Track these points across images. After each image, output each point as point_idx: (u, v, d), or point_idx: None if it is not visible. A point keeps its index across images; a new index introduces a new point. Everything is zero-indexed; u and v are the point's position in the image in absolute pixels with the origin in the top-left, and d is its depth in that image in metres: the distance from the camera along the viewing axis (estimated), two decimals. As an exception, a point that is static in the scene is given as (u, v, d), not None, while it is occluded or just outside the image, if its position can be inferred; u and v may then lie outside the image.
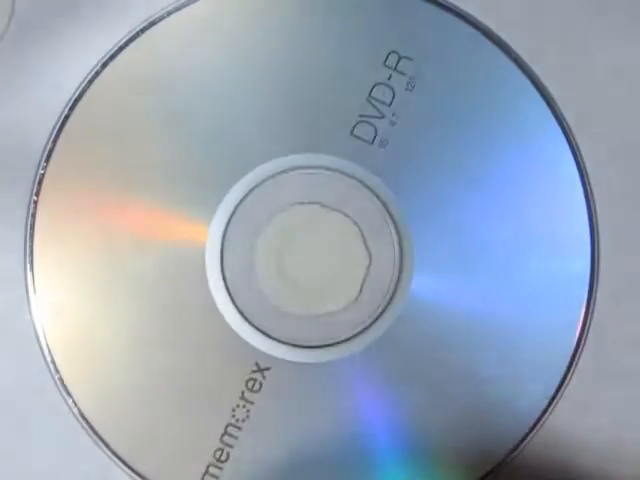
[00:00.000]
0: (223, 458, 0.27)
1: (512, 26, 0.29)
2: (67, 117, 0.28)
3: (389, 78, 0.28)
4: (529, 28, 0.29)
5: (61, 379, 0.28)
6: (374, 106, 0.28)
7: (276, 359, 0.27)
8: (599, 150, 0.28)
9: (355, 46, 0.28)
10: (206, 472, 0.27)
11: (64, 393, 0.28)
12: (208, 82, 0.28)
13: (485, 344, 0.27)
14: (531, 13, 0.29)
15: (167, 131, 0.28)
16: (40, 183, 0.28)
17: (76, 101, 0.28)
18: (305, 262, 0.28)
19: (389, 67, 0.28)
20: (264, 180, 0.28)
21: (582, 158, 0.28)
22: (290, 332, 0.28)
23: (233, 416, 0.27)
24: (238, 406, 0.27)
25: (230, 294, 0.28)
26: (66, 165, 0.28)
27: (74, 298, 0.28)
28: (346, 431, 0.27)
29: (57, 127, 0.28)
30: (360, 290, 0.27)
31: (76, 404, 0.28)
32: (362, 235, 0.28)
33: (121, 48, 0.28)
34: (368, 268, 0.28)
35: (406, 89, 0.28)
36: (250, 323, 0.28)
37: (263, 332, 0.28)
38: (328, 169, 0.28)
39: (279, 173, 0.28)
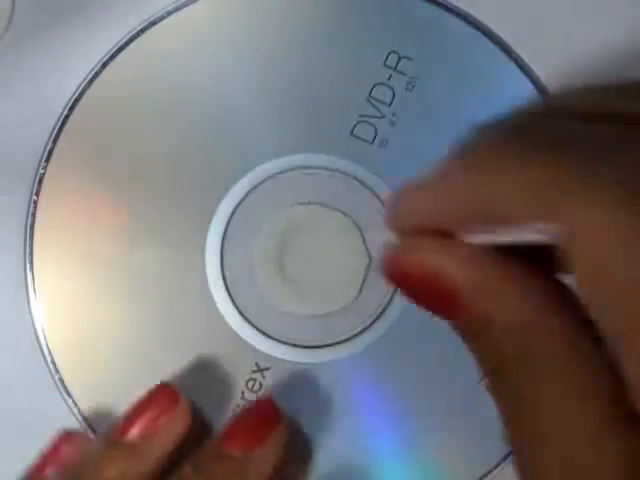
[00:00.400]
0: (223, 458, 0.27)
1: (512, 26, 0.28)
2: (67, 117, 0.28)
3: (389, 78, 0.28)
4: (530, 28, 0.29)
5: (61, 379, 0.28)
6: (374, 106, 0.28)
7: (276, 359, 0.27)
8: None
9: (355, 46, 0.28)
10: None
11: (64, 393, 0.28)
12: (208, 82, 0.28)
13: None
14: (532, 14, 0.29)
15: (167, 131, 0.28)
16: (40, 183, 0.28)
17: (76, 101, 0.28)
18: (305, 262, 0.28)
19: (389, 67, 0.28)
20: (264, 180, 0.28)
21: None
22: (290, 332, 0.28)
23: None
24: (238, 405, 0.27)
25: (230, 294, 0.28)
26: (66, 165, 0.28)
27: (74, 298, 0.28)
28: (346, 430, 0.27)
29: (57, 127, 0.28)
30: (360, 290, 0.27)
31: (76, 404, 0.28)
32: (362, 235, 0.28)
33: (121, 48, 0.28)
34: (368, 268, 0.28)
35: (406, 89, 0.28)
36: (250, 323, 0.28)
37: (263, 332, 0.28)
38: (328, 169, 0.28)
39: (279, 173, 0.28)
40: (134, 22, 0.29)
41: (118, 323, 0.28)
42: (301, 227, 0.28)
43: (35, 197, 0.28)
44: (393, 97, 0.28)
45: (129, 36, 0.28)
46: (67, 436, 0.27)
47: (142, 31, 0.28)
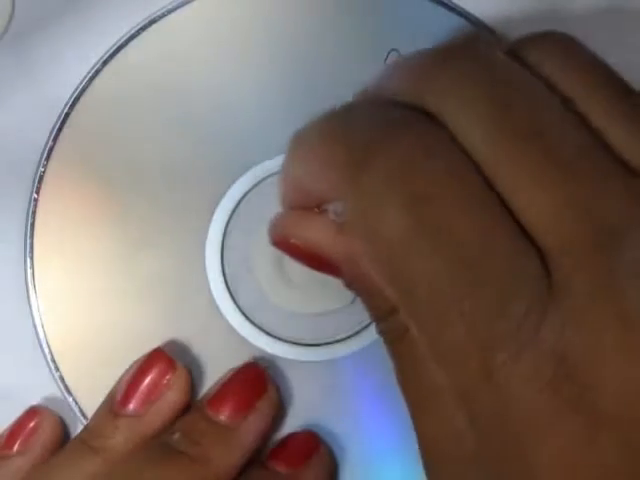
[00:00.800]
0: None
1: (513, 25, 0.29)
2: (67, 115, 0.28)
3: (389, 76, 0.28)
4: (532, 28, 0.29)
5: (61, 378, 0.28)
6: (374, 104, 0.28)
7: (276, 357, 0.27)
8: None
9: (355, 44, 0.28)
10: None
11: (65, 392, 0.28)
12: (208, 80, 0.28)
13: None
14: (535, 15, 0.29)
15: (167, 129, 0.28)
16: (41, 181, 0.28)
17: (76, 100, 0.28)
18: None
19: (389, 65, 0.28)
20: (264, 178, 0.28)
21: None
22: (290, 330, 0.28)
23: (234, 415, 0.27)
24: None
25: (230, 292, 0.28)
26: (66, 163, 0.28)
27: (74, 296, 0.28)
28: (346, 429, 0.27)
29: (58, 126, 0.28)
30: (361, 288, 0.27)
31: (77, 402, 0.28)
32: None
33: (121, 47, 0.28)
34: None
35: (406, 87, 0.28)
36: (250, 321, 0.28)
37: (263, 330, 0.28)
38: (328, 167, 0.28)
39: (279, 172, 0.28)
40: (134, 21, 0.29)
41: (118, 322, 0.28)
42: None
43: (35, 196, 0.28)
44: (393, 95, 0.28)
45: (129, 35, 0.28)
46: (33, 412, 0.27)
47: (142, 29, 0.28)
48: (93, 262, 0.28)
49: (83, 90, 0.28)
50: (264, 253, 0.28)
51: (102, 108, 0.28)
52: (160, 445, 0.25)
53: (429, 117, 0.19)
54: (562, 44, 0.20)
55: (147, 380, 0.26)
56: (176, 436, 0.25)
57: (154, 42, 0.29)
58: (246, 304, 0.28)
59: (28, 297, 0.28)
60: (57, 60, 0.29)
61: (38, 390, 0.28)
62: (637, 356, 0.16)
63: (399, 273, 0.18)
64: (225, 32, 0.29)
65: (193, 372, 0.27)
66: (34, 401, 0.28)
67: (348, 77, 0.28)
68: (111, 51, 0.28)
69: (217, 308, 0.28)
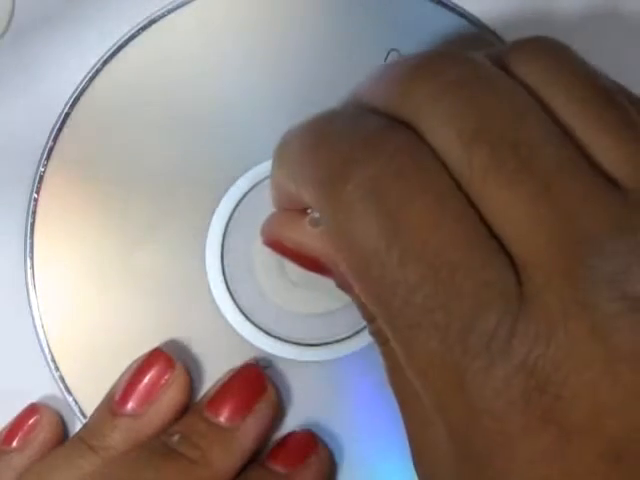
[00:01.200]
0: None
1: (515, 26, 0.29)
2: (67, 115, 0.28)
3: (389, 76, 0.28)
4: (533, 30, 0.29)
5: (61, 377, 0.28)
6: (374, 104, 0.28)
7: (276, 357, 0.27)
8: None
9: (355, 45, 0.28)
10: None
11: (65, 392, 0.28)
12: (208, 80, 0.28)
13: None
14: (536, 15, 0.29)
15: (167, 129, 0.28)
16: (41, 181, 0.28)
17: (76, 99, 0.28)
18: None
19: (389, 65, 0.28)
20: (264, 179, 0.28)
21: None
22: (290, 330, 0.28)
23: (234, 415, 0.27)
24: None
25: (230, 292, 0.28)
26: (67, 163, 0.28)
27: (74, 297, 0.28)
28: (345, 429, 0.27)
29: (58, 125, 0.28)
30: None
31: (77, 402, 0.28)
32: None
33: (121, 47, 0.28)
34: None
35: (406, 87, 0.28)
36: (250, 321, 0.28)
37: (263, 330, 0.28)
38: (328, 167, 0.28)
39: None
40: (134, 20, 0.29)
41: (118, 321, 0.28)
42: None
43: (35, 195, 0.28)
44: (393, 95, 0.28)
45: (129, 34, 0.28)
46: (32, 409, 0.27)
47: (142, 29, 0.28)
48: (93, 262, 0.28)
49: (83, 90, 0.28)
50: (264, 253, 0.28)
51: (102, 108, 0.28)
52: (159, 446, 0.25)
53: (406, 126, 0.18)
54: (549, 51, 0.20)
55: (146, 380, 0.26)
56: (175, 437, 0.25)
57: (154, 42, 0.29)
58: (246, 304, 0.28)
59: (28, 297, 0.28)
60: (57, 60, 0.29)
61: (38, 390, 0.28)
62: (608, 368, 0.16)
63: (374, 285, 0.18)
64: (225, 32, 0.29)
65: (192, 372, 0.27)
66: (34, 400, 0.28)
67: (348, 77, 0.28)
68: (111, 51, 0.28)
69: (217, 308, 0.28)
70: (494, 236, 0.17)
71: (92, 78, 0.28)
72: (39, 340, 0.28)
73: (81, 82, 0.28)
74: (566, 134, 0.18)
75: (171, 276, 0.28)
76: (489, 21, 0.28)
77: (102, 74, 0.28)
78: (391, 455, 0.27)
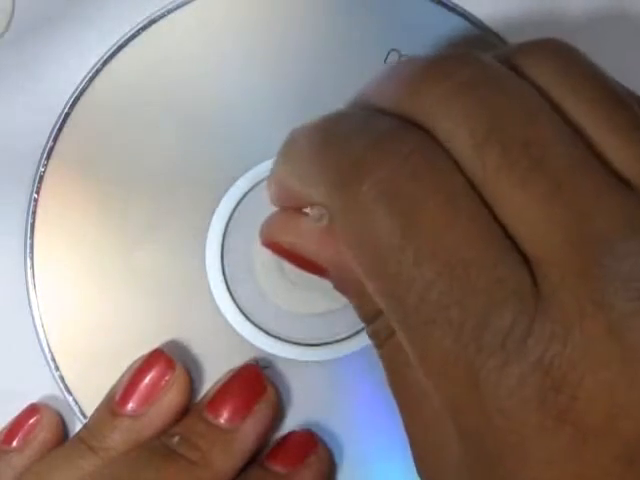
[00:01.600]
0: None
1: (515, 26, 0.29)
2: (68, 115, 0.28)
3: (389, 76, 0.28)
4: (533, 29, 0.29)
5: (62, 377, 0.28)
6: (374, 104, 0.28)
7: (276, 357, 0.27)
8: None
9: (355, 45, 0.28)
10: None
11: (65, 391, 0.28)
12: (209, 81, 0.28)
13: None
14: (536, 16, 0.29)
15: (167, 129, 0.28)
16: (41, 181, 0.28)
17: (77, 99, 0.28)
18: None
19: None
20: (264, 179, 0.28)
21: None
22: (290, 330, 0.28)
23: (234, 415, 0.27)
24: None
25: (230, 292, 0.28)
26: (67, 163, 0.28)
27: (74, 297, 0.28)
28: (345, 428, 0.27)
29: (58, 125, 0.28)
30: (360, 288, 0.27)
31: (77, 402, 0.28)
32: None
33: (121, 46, 0.28)
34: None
35: (406, 87, 0.28)
36: (250, 321, 0.28)
37: (263, 330, 0.28)
38: (328, 167, 0.28)
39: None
40: (134, 20, 0.29)
41: (118, 321, 0.28)
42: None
43: (36, 195, 0.28)
44: (393, 95, 0.28)
45: (129, 34, 0.28)
46: (32, 409, 0.27)
47: (142, 29, 0.28)
48: (93, 262, 0.28)
49: (83, 90, 0.28)
50: (264, 253, 0.28)
51: (102, 108, 0.28)
52: (159, 447, 0.25)
53: (418, 127, 0.19)
54: (559, 53, 0.20)
55: (146, 380, 0.26)
56: (175, 439, 0.25)
57: (154, 42, 0.29)
58: (246, 304, 0.28)
59: (28, 297, 0.28)
60: (57, 60, 0.29)
61: (38, 390, 0.28)
62: (625, 369, 0.16)
63: (388, 282, 0.18)
64: (225, 32, 0.29)
65: (193, 372, 0.27)
66: (34, 401, 0.28)
67: (348, 77, 0.28)
68: (111, 51, 0.28)
69: (217, 308, 0.28)
70: (508, 236, 0.17)
71: (92, 78, 0.28)
72: (39, 340, 0.28)
73: (81, 82, 0.28)
74: (577, 134, 0.18)
75: (171, 276, 0.28)
76: (490, 21, 0.28)
77: (102, 74, 0.28)
78: (391, 455, 0.27)
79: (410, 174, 0.18)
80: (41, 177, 0.28)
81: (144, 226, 0.28)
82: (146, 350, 0.27)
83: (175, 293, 0.28)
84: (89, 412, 0.27)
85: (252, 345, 0.28)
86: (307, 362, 0.27)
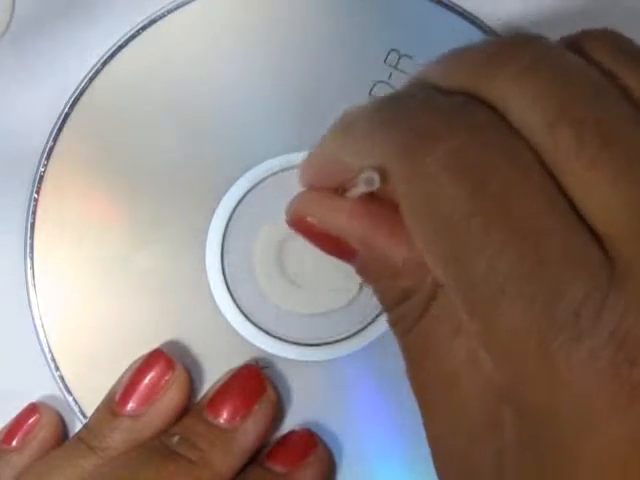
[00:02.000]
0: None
1: (514, 26, 0.29)
2: (68, 115, 0.28)
3: (390, 76, 0.28)
4: (533, 29, 0.29)
5: (61, 377, 0.28)
6: (374, 104, 0.28)
7: (276, 357, 0.27)
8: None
9: (355, 44, 0.28)
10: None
11: (65, 391, 0.28)
12: (209, 80, 0.28)
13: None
14: (535, 15, 0.29)
15: (167, 129, 0.28)
16: (41, 181, 0.28)
17: (77, 99, 0.28)
18: (305, 260, 0.28)
19: (390, 65, 0.28)
20: (264, 179, 0.28)
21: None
22: (290, 330, 0.28)
23: (234, 415, 0.27)
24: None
25: (231, 292, 0.28)
26: (67, 163, 0.28)
27: (74, 297, 0.28)
28: (345, 428, 0.27)
29: (58, 125, 0.28)
30: (360, 288, 0.27)
31: (77, 402, 0.28)
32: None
33: (122, 46, 0.28)
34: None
35: (406, 87, 0.28)
36: (250, 321, 0.28)
37: (263, 330, 0.28)
38: (328, 167, 0.28)
39: (279, 172, 0.28)
40: (135, 20, 0.29)
41: (119, 321, 0.28)
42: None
43: (36, 195, 0.28)
44: (393, 95, 0.28)
45: (130, 34, 0.28)
46: (32, 409, 0.27)
47: (143, 29, 0.28)
48: (93, 262, 0.28)
49: (83, 90, 0.28)
50: (264, 253, 0.28)
51: (102, 108, 0.28)
52: (159, 447, 0.25)
53: (485, 104, 0.19)
54: (618, 38, 0.20)
55: (146, 380, 0.26)
56: (175, 439, 0.25)
57: (154, 42, 0.29)
58: (246, 304, 0.28)
59: (28, 297, 0.28)
60: (57, 60, 0.29)
61: (38, 390, 0.28)
62: None
63: (456, 249, 0.17)
64: (225, 32, 0.29)
65: (193, 372, 0.27)
66: (34, 400, 0.28)
67: (348, 77, 0.28)
68: (111, 51, 0.29)
69: (217, 308, 0.28)
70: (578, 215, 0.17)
71: (92, 78, 0.28)
72: (39, 340, 0.28)
73: (81, 82, 0.28)
74: None
75: (171, 276, 0.28)
76: (489, 21, 0.28)
77: (102, 74, 0.28)
78: (391, 455, 0.27)
79: (481, 144, 0.18)
80: (41, 177, 0.28)
81: (144, 226, 0.28)
82: (146, 350, 0.27)
83: (175, 293, 0.28)
84: (89, 412, 0.27)
85: (252, 345, 0.28)
86: (307, 362, 0.27)
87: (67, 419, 0.28)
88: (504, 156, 0.18)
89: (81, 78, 0.29)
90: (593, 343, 0.16)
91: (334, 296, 0.28)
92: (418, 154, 0.18)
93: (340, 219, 0.21)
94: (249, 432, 0.26)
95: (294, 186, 0.28)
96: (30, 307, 0.28)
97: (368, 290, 0.28)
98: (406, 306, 0.21)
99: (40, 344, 0.28)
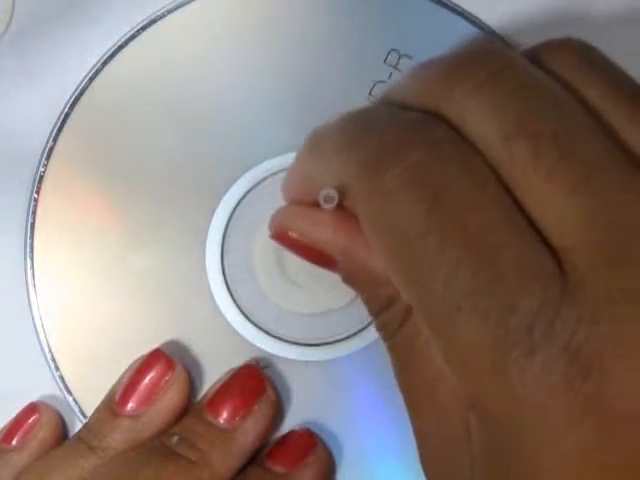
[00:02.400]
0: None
1: (514, 26, 0.29)
2: (68, 115, 0.28)
3: (390, 76, 0.28)
4: (532, 29, 0.29)
5: (61, 377, 0.28)
6: (374, 104, 0.28)
7: (276, 357, 0.27)
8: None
9: (355, 45, 0.28)
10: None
11: (65, 391, 0.28)
12: (209, 80, 0.28)
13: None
14: (534, 14, 0.29)
15: (167, 129, 0.28)
16: (41, 181, 0.28)
17: (77, 99, 0.28)
18: (305, 261, 0.28)
19: (390, 65, 0.28)
20: (264, 179, 0.28)
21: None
22: (290, 330, 0.28)
23: (233, 415, 0.27)
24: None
25: (230, 292, 0.28)
26: (67, 163, 0.28)
27: (74, 297, 0.28)
28: (345, 428, 0.27)
29: (58, 125, 0.28)
30: (360, 288, 0.27)
31: (77, 402, 0.28)
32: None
33: (122, 46, 0.29)
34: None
35: (406, 87, 0.28)
36: (250, 321, 0.28)
37: (263, 330, 0.28)
38: (328, 167, 0.28)
39: (279, 171, 0.28)
40: (135, 20, 0.29)
41: (118, 322, 0.28)
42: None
43: (36, 195, 0.28)
44: (393, 95, 0.28)
45: (130, 34, 0.28)
46: (32, 408, 0.27)
47: (143, 29, 0.28)
48: (93, 262, 0.28)
49: (83, 90, 0.28)
50: (264, 253, 0.28)
51: (102, 108, 0.28)
52: (159, 447, 0.25)
53: (443, 120, 0.19)
54: (581, 50, 0.20)
55: (146, 380, 0.26)
56: (175, 439, 0.25)
57: (154, 42, 0.29)
58: (246, 304, 0.28)
59: (28, 297, 0.28)
60: (57, 60, 0.29)
61: (38, 389, 0.28)
62: None
63: (413, 267, 0.18)
64: (225, 32, 0.29)
65: (193, 372, 0.27)
66: (34, 400, 0.28)
67: (348, 77, 0.28)
68: (111, 51, 0.29)
69: (217, 308, 0.28)
70: (533, 228, 0.17)
71: (92, 78, 0.28)
72: (39, 340, 0.28)
73: (81, 82, 0.28)
74: (602, 126, 0.18)
75: (171, 276, 0.28)
76: (489, 21, 0.28)
77: (102, 74, 0.28)
78: (391, 455, 0.27)
79: (437, 160, 0.18)
80: (41, 177, 0.28)
81: (144, 226, 0.28)
82: (146, 350, 0.27)
83: (175, 293, 0.28)
84: (89, 412, 0.27)
85: (252, 345, 0.28)
86: (307, 362, 0.27)
87: (67, 419, 0.28)
88: (459, 171, 0.18)
89: (81, 78, 0.29)
90: (545, 357, 0.16)
91: (334, 296, 0.28)
92: (377, 172, 0.18)
93: (321, 232, 0.22)
94: (249, 432, 0.26)
95: (294, 186, 0.28)
96: (30, 307, 0.28)
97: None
98: (389, 313, 0.21)
99: (40, 344, 0.28)
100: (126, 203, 0.28)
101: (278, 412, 0.27)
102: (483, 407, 0.18)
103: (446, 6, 0.28)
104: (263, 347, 0.28)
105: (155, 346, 0.27)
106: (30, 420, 0.27)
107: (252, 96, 0.28)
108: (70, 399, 0.28)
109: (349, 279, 0.22)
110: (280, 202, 0.28)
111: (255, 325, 0.28)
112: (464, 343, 0.17)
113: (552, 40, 0.21)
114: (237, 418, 0.26)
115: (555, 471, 0.16)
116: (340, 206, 0.21)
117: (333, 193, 0.20)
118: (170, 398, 0.26)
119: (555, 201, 0.17)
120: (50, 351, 0.28)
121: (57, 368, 0.28)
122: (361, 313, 0.27)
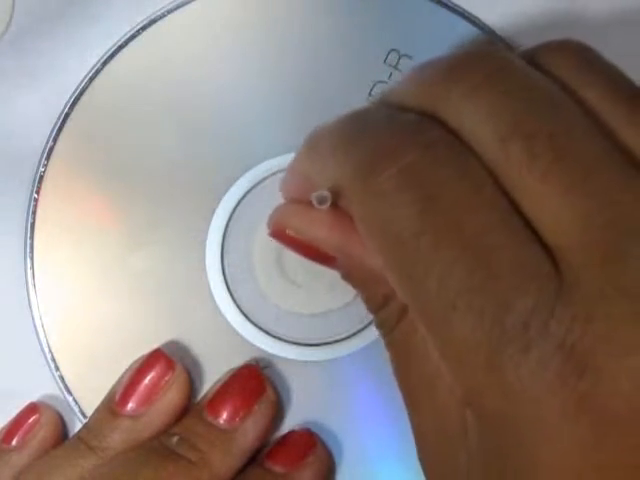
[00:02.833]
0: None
1: (514, 26, 0.29)
2: (68, 115, 0.28)
3: (390, 76, 0.28)
4: (532, 29, 0.29)
5: (61, 377, 0.28)
6: (374, 104, 0.28)
7: (276, 357, 0.27)
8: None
9: (355, 45, 0.28)
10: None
11: (65, 391, 0.28)
12: (209, 80, 0.28)
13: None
14: (534, 15, 0.29)
15: (167, 129, 0.28)
16: (41, 181, 0.28)
17: (77, 99, 0.28)
18: (305, 261, 0.28)
19: (390, 65, 0.28)
20: (264, 179, 0.28)
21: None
22: (290, 330, 0.28)
23: (233, 415, 0.27)
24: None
25: (230, 292, 0.28)
26: (67, 163, 0.28)
27: (74, 297, 0.28)
28: (345, 428, 0.27)
29: (58, 125, 0.28)
30: (360, 288, 0.27)
31: (77, 402, 0.28)
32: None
33: (121, 46, 0.29)
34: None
35: (406, 87, 0.28)
36: (250, 321, 0.28)
37: (263, 330, 0.28)
38: (328, 167, 0.28)
39: (279, 172, 0.28)
40: (135, 20, 0.29)
41: (118, 322, 0.28)
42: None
43: (36, 195, 0.28)
44: (393, 95, 0.28)
45: (130, 34, 0.28)
46: (32, 408, 0.27)
47: (143, 29, 0.28)
48: (93, 262, 0.28)
49: (83, 90, 0.28)
50: (264, 253, 0.28)
51: (102, 108, 0.28)
52: (158, 447, 0.25)
53: (440, 122, 0.19)
54: (579, 51, 0.20)
55: (146, 380, 0.26)
56: (174, 439, 0.25)
57: (154, 42, 0.29)
58: (246, 304, 0.28)
59: (28, 297, 0.28)
60: (57, 60, 0.29)
61: (38, 389, 0.28)
62: None
63: (408, 267, 0.18)
64: (225, 32, 0.29)
65: (193, 372, 0.27)
66: (34, 400, 0.28)
67: (348, 77, 0.28)
68: (111, 51, 0.29)
69: (217, 308, 0.28)
70: (529, 228, 0.18)
71: (92, 78, 0.28)
72: (39, 340, 0.28)
73: (81, 82, 0.28)
74: (599, 126, 0.18)
75: (171, 276, 0.28)
76: (489, 21, 0.28)
77: (102, 74, 0.28)
78: (391, 455, 0.27)
79: (431, 162, 0.18)
80: (41, 177, 0.28)
81: (144, 226, 0.28)
82: (146, 350, 0.27)
83: (175, 293, 0.28)
84: (89, 412, 0.27)
85: (252, 345, 0.28)
86: (307, 362, 0.27)
87: (67, 419, 0.28)
88: (455, 172, 0.18)
89: (81, 78, 0.29)
90: (541, 354, 0.16)
91: (334, 296, 0.28)
92: (372, 173, 0.18)
93: (317, 230, 0.22)
94: (249, 432, 0.26)
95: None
96: (30, 307, 0.28)
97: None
98: (386, 311, 0.21)
99: (40, 344, 0.28)
100: (126, 203, 0.28)
101: (278, 412, 0.27)
102: (479, 403, 0.18)
103: (446, 6, 0.28)
104: (263, 347, 0.28)
105: (155, 346, 0.27)
106: (30, 420, 0.27)
107: (252, 96, 0.28)
108: (70, 399, 0.28)
109: (348, 276, 0.22)
110: (280, 202, 0.28)
111: (255, 325, 0.28)
112: (459, 340, 0.17)
113: (551, 41, 0.21)
114: (237, 418, 0.26)
115: (552, 466, 0.17)
116: (336, 205, 0.21)
117: (325, 194, 0.20)
118: (170, 398, 0.26)
119: (550, 201, 0.17)
120: (50, 351, 0.28)
121: (57, 368, 0.28)
122: (361, 313, 0.27)
